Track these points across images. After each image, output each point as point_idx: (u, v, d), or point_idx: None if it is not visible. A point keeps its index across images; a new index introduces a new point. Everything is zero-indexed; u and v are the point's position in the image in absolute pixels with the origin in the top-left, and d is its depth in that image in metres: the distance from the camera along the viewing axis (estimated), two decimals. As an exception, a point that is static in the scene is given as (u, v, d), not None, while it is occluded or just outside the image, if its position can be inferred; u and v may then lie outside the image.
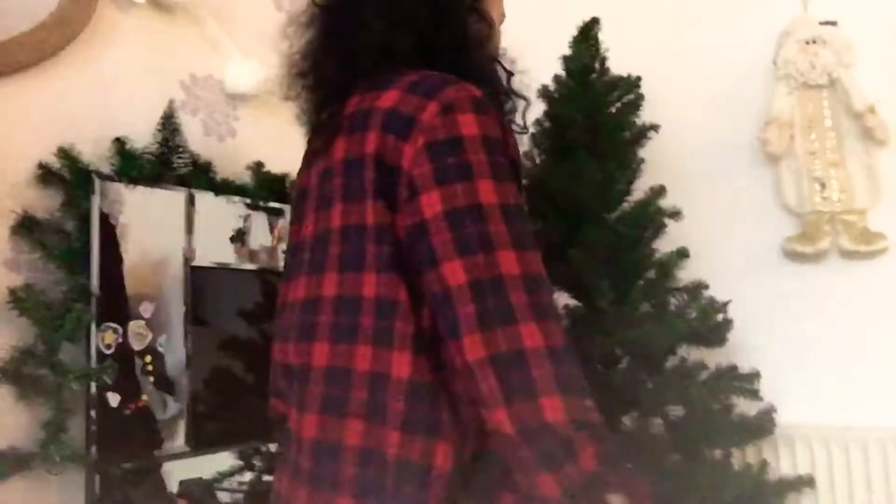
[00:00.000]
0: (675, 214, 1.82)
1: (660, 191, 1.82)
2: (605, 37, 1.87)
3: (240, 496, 1.54)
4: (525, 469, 0.78)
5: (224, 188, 1.58)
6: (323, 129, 0.98)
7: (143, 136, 1.47)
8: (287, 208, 1.70)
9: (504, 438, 0.77)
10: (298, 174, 1.07)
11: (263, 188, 1.65)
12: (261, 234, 1.64)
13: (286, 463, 0.91)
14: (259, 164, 1.67)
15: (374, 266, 0.84)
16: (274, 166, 1.71)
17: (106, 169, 1.39)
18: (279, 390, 0.98)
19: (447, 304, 0.80)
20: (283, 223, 1.69)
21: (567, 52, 1.86)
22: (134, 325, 1.36)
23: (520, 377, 0.76)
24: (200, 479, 1.46)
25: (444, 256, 0.81)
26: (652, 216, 1.78)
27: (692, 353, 1.77)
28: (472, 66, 0.96)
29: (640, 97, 1.83)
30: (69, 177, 1.34)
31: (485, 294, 0.79)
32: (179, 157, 1.50)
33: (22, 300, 1.24)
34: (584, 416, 0.78)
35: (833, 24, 2.13)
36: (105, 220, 1.35)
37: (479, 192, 0.83)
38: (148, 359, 1.37)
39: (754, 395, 1.75)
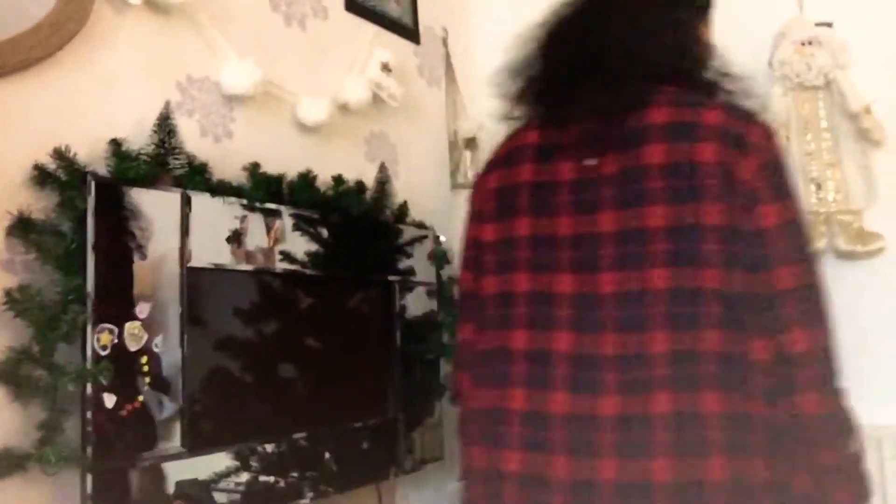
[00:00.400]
0: (672, 215, 1.82)
1: (656, 191, 1.82)
2: (600, 38, 1.87)
3: (236, 497, 1.54)
4: (816, 443, 0.99)
5: (220, 189, 1.58)
6: (607, 133, 1.06)
7: (139, 138, 1.47)
8: (284, 209, 1.70)
9: (806, 417, 0.97)
10: (524, 169, 1.11)
11: (260, 189, 1.65)
12: (257, 236, 1.64)
13: (550, 443, 0.99)
14: (255, 165, 1.68)
15: (718, 262, 0.96)
16: (270, 167, 1.71)
17: (102, 170, 1.39)
18: (525, 377, 1.04)
19: (776, 302, 0.96)
20: (280, 224, 1.69)
21: (563, 52, 1.86)
22: (130, 326, 1.36)
23: (828, 370, 0.99)
24: (196, 479, 1.46)
25: (778, 261, 0.97)
26: (648, 216, 1.78)
27: (688, 353, 1.77)
28: (707, 84, 1.11)
29: (636, 98, 1.83)
30: (65, 178, 1.34)
31: (808, 297, 0.98)
32: (175, 159, 1.50)
33: (17, 301, 1.24)
34: (849, 406, 1.01)
35: (829, 25, 2.14)
36: (124, 225, 1.36)
37: (796, 209, 1.01)
38: (144, 359, 1.37)
39: (750, 394, 1.75)
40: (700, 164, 0.98)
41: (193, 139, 1.61)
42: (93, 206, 1.32)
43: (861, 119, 2.05)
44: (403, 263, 2.03)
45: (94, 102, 1.46)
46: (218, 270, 1.55)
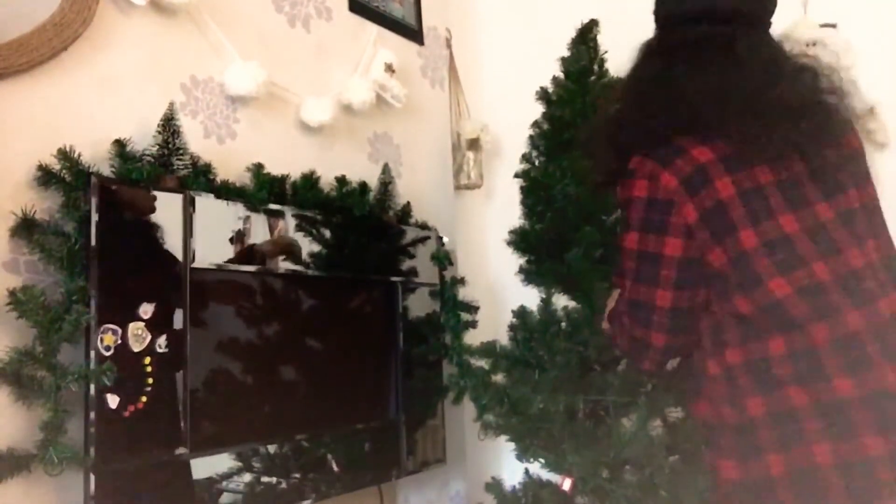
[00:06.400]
0: (675, 216, 1.81)
1: (659, 193, 1.82)
2: (603, 38, 1.87)
3: (239, 497, 1.54)
4: None
5: (223, 190, 1.58)
6: None
7: (143, 139, 1.48)
8: (287, 210, 1.71)
9: None
10: None
11: (263, 190, 1.65)
12: (260, 236, 1.64)
13: None
14: (259, 166, 1.68)
15: None
16: (274, 168, 1.71)
17: (106, 171, 1.39)
18: None
19: None
20: (283, 224, 1.69)
21: (566, 53, 1.86)
22: (133, 327, 1.36)
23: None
24: (199, 480, 1.46)
25: None
26: (651, 218, 1.78)
27: (691, 355, 1.77)
28: None
29: (639, 99, 1.82)
30: (69, 178, 1.34)
31: None
32: (179, 160, 1.50)
33: (21, 302, 1.24)
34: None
35: (833, 26, 2.14)
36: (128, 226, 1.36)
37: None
38: (147, 360, 1.37)
39: (754, 397, 1.74)
40: None
41: (197, 140, 1.61)
42: (96, 206, 1.33)
43: (865, 120, 2.04)
44: (406, 264, 2.03)
45: (98, 103, 1.46)
46: (221, 271, 1.56)
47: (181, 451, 1.42)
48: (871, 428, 1.02)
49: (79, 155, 1.36)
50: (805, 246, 1.08)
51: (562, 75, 1.84)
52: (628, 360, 1.46)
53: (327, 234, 1.80)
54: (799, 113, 1.13)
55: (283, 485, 1.64)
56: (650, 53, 1.27)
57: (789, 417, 1.05)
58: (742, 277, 1.10)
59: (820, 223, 1.10)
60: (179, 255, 1.46)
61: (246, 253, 1.60)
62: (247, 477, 1.56)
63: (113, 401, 1.32)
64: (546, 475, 1.82)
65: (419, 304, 2.06)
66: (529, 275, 1.84)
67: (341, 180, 1.88)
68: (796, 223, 1.09)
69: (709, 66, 1.16)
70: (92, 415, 1.29)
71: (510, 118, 2.27)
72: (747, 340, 1.10)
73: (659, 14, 1.28)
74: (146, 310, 1.38)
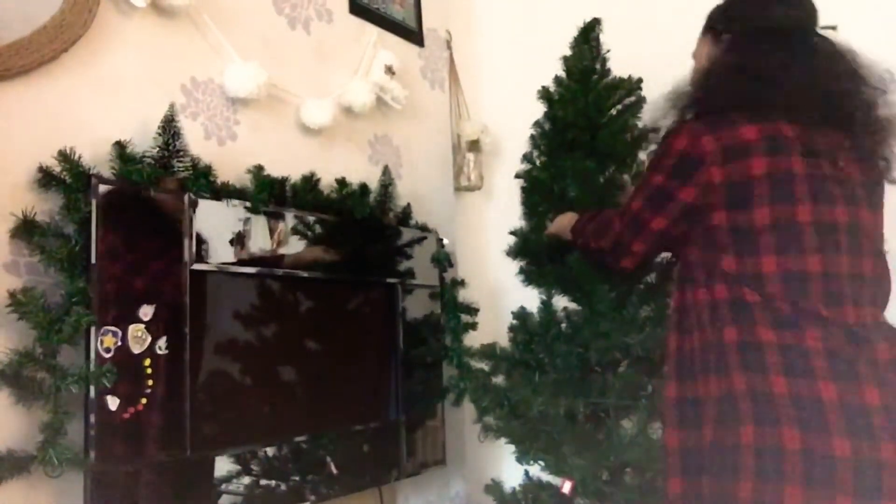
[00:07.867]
0: (675, 218, 1.81)
1: (659, 194, 1.81)
2: (606, 38, 1.87)
3: (238, 500, 1.53)
4: None
5: (224, 192, 1.58)
6: None
7: (143, 140, 1.47)
8: (287, 212, 1.70)
9: None
10: None
11: (263, 192, 1.65)
12: (260, 238, 1.64)
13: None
14: (259, 168, 1.67)
15: None
16: (274, 170, 1.71)
17: (106, 172, 1.39)
18: None
19: None
20: (283, 226, 1.69)
21: (565, 54, 1.86)
22: (133, 329, 1.36)
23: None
24: (199, 482, 1.46)
25: None
26: (652, 220, 1.77)
27: (692, 357, 1.76)
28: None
29: (642, 99, 1.83)
30: (69, 180, 1.34)
31: None
32: (180, 161, 1.49)
33: (21, 303, 1.24)
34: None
35: (833, 28, 2.13)
36: (128, 227, 1.35)
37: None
38: (147, 362, 1.37)
39: (754, 399, 1.74)
40: None
41: (197, 142, 1.61)
42: (97, 208, 1.33)
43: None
44: (406, 266, 2.03)
45: (99, 105, 1.46)
46: (221, 273, 1.55)
47: (181, 453, 1.42)
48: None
49: (79, 157, 1.35)
50: (809, 239, 1.17)
51: (564, 75, 1.84)
52: (605, 259, 1.46)
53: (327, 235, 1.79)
54: (860, 123, 1.24)
55: (283, 487, 1.64)
56: (723, 44, 1.38)
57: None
58: (741, 244, 1.20)
59: (833, 223, 1.18)
60: (180, 257, 1.46)
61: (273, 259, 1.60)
62: (246, 479, 1.56)
63: (113, 403, 1.31)
64: (546, 477, 1.82)
65: (419, 306, 2.06)
66: (530, 276, 1.84)
67: (341, 182, 1.88)
68: (810, 216, 1.18)
69: (779, 50, 1.29)
70: (92, 417, 1.29)
71: (510, 119, 2.27)
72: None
73: (732, 27, 1.39)
74: (146, 312, 1.38)
